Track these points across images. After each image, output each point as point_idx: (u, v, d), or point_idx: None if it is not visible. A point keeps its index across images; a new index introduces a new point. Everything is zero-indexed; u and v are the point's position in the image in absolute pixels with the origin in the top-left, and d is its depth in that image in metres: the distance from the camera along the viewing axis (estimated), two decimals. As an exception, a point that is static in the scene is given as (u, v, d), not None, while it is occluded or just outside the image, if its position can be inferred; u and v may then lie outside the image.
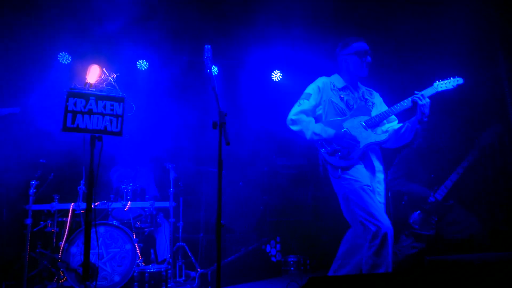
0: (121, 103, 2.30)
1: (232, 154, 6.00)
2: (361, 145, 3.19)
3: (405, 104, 3.20)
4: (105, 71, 2.49)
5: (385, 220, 2.96)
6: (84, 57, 5.84)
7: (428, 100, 3.12)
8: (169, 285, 4.17)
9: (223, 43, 5.98)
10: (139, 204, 4.59)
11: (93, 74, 2.42)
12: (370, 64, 3.39)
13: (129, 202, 4.47)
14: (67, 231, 4.32)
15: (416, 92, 3.18)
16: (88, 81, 2.32)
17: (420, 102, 3.10)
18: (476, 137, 4.34)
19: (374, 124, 3.27)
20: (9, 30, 5.08)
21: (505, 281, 2.02)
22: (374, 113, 3.36)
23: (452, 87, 3.20)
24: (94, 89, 2.30)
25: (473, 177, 4.63)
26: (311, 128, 3.26)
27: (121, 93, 2.33)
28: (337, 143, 3.22)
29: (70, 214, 4.35)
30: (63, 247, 4.19)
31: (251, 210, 5.78)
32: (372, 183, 3.20)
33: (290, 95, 6.44)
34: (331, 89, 3.40)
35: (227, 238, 5.61)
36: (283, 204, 6.18)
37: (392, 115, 3.31)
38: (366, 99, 3.45)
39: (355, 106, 3.36)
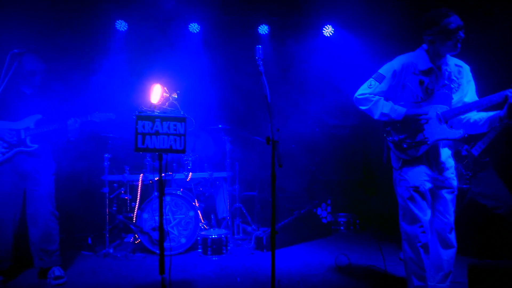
0: (183, 123, 2.53)
1: (283, 114, 6.15)
2: (430, 141, 2.91)
3: (494, 99, 2.77)
4: (166, 90, 2.70)
5: (413, 227, 2.94)
6: (139, 22, 6.08)
7: None
8: (228, 247, 4.65)
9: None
10: (199, 175, 4.99)
11: (156, 94, 2.65)
12: (463, 39, 2.86)
13: (190, 173, 4.88)
14: (139, 199, 4.86)
15: None
16: (152, 102, 2.55)
17: (511, 100, 2.63)
18: None
19: (451, 116, 2.91)
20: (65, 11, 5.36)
21: None
22: (456, 97, 2.98)
23: None
24: (158, 111, 2.53)
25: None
26: (379, 107, 2.99)
27: (182, 112, 2.54)
28: (405, 128, 2.97)
29: (140, 184, 4.85)
30: (136, 213, 4.77)
31: (302, 170, 6.02)
32: (436, 176, 3.00)
33: (342, 50, 6.38)
34: (411, 73, 2.96)
35: (279, 197, 5.97)
36: (334, 164, 6.35)
37: (474, 110, 2.89)
38: (453, 80, 2.99)
39: (434, 92, 2.94)
